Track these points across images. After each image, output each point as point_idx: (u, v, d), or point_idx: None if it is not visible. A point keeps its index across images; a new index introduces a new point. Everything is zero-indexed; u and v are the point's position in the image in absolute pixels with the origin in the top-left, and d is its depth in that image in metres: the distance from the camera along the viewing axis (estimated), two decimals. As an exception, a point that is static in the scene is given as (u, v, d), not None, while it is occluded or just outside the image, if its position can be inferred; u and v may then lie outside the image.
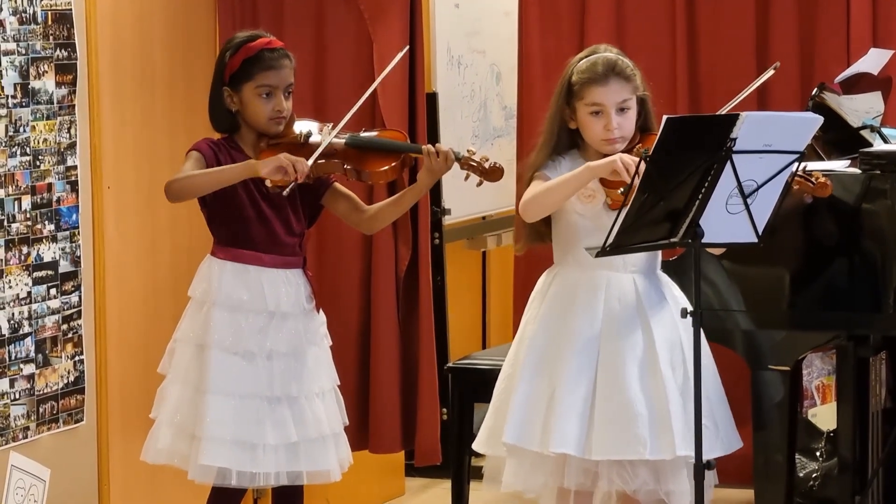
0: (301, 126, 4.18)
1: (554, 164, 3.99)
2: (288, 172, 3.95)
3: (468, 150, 4.11)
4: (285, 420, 4.11)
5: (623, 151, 3.95)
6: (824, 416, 5.43)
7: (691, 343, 3.97)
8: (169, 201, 4.09)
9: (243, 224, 4.09)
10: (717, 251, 4.22)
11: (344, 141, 4.12)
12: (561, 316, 3.99)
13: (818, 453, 5.31)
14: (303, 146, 4.11)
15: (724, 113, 4.56)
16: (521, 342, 4.06)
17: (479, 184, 4.11)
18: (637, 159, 3.75)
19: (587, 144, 4.01)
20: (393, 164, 4.12)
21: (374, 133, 4.22)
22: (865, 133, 4.73)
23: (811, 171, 4.00)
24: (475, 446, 4.14)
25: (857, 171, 4.40)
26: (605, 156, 3.95)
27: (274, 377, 4.11)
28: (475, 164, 4.08)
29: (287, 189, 3.99)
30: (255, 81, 4.10)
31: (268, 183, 4.07)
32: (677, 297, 4.07)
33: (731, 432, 4.03)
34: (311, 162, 3.99)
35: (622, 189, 3.80)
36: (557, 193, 3.90)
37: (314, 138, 4.14)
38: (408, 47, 4.28)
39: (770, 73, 4.38)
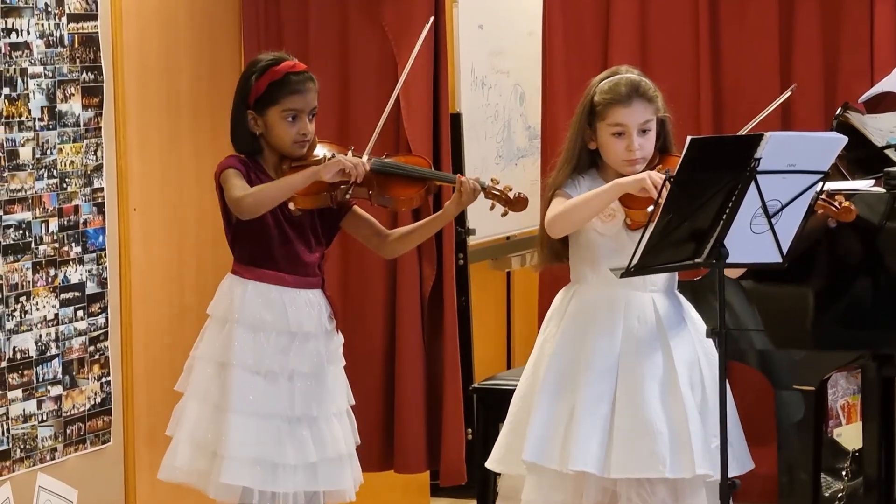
0: (324, 150, 4.18)
1: (573, 184, 4.00)
2: (348, 173, 3.98)
3: (492, 180, 4.12)
4: (305, 440, 4.11)
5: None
6: (849, 435, 5.42)
7: (710, 362, 3.98)
8: (241, 217, 4.06)
9: (267, 244, 4.10)
10: (735, 273, 4.22)
11: (370, 166, 4.12)
12: (580, 334, 4.00)
13: (843, 473, 5.29)
14: None
15: (745, 133, 4.58)
16: (539, 361, 4.06)
17: (504, 214, 4.12)
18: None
19: (606, 165, 4.01)
20: (418, 192, 4.12)
21: (398, 159, 4.21)
22: (890, 152, 4.72)
23: (835, 194, 3.99)
24: (489, 465, 4.14)
25: (881, 190, 4.39)
26: (625, 177, 3.97)
27: (295, 397, 4.12)
28: (499, 193, 4.09)
29: (348, 190, 4.00)
30: (281, 105, 4.10)
31: (291, 206, 4.08)
32: (694, 318, 4.08)
33: (744, 452, 4.04)
34: (365, 159, 4.01)
35: (650, 207, 3.81)
36: (585, 209, 3.91)
37: None
38: (433, 18, 4.26)
39: (787, 94, 4.38)
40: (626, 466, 3.89)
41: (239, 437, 4.06)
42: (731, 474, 3.90)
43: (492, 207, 4.13)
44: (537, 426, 3.96)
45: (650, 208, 3.80)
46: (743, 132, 4.30)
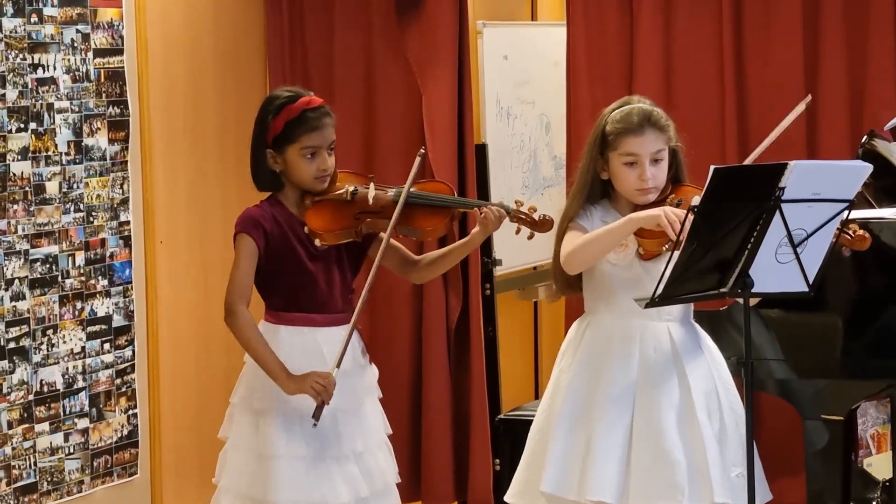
0: (346, 183, 4.16)
1: (586, 214, 3.99)
2: (320, 394, 3.99)
3: (516, 202, 4.10)
4: (355, 476, 4.09)
5: (655, 202, 3.95)
6: (880, 465, 5.38)
7: (727, 390, 3.97)
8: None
9: (293, 290, 4.09)
10: (751, 301, 4.19)
11: (392, 198, 4.11)
12: (596, 365, 3.99)
13: (874, 503, 5.25)
14: (350, 203, 4.10)
15: (757, 153, 4.57)
16: (555, 392, 4.05)
17: (531, 237, 4.10)
18: (681, 212, 3.74)
19: (618, 194, 4.01)
20: (443, 221, 4.11)
21: (419, 187, 4.19)
22: (917, 180, 4.70)
23: (849, 222, 3.96)
24: (508, 498, 4.12)
25: (908, 218, 4.38)
26: (637, 206, 3.96)
27: (340, 435, 4.10)
28: (524, 215, 4.07)
29: (313, 419, 4.01)
30: (300, 143, 4.07)
31: (317, 242, 4.07)
32: (710, 346, 4.06)
33: (762, 483, 4.01)
34: (336, 369, 4.01)
35: (666, 245, 3.80)
36: (599, 245, 3.89)
37: (360, 194, 4.12)
38: (423, 150, 4.28)
39: (801, 108, 4.36)
40: (645, 496, 3.87)
41: (287, 482, 4.03)
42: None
43: (517, 231, 4.11)
44: (555, 457, 3.95)
45: (665, 247, 3.80)
46: (760, 149, 4.28)
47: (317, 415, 3.99)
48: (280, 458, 4.04)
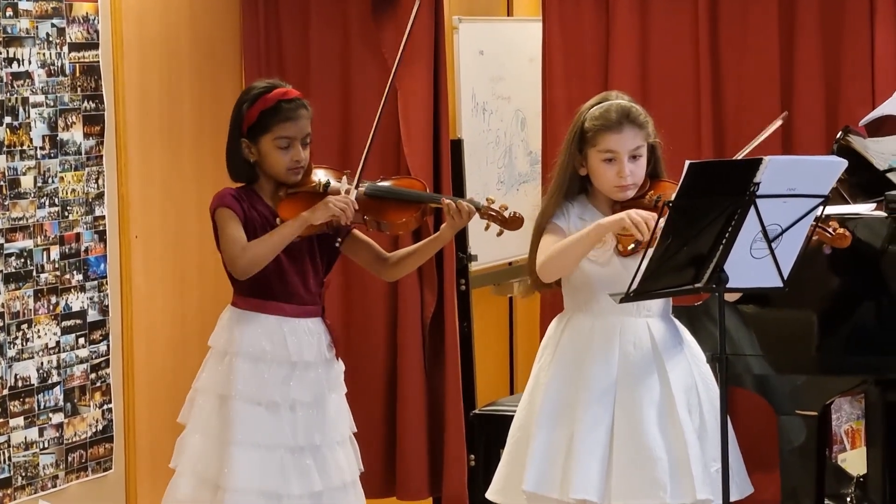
0: (319, 175, 4.19)
1: (562, 213, 4.00)
2: (338, 217, 4.02)
3: (488, 199, 4.11)
4: (309, 469, 4.11)
5: (634, 198, 3.95)
6: (854, 460, 5.40)
7: (707, 386, 3.98)
8: (238, 277, 4.08)
9: (264, 276, 4.09)
10: (732, 297, 4.21)
11: (363, 191, 4.12)
12: (576, 362, 3.99)
13: (848, 499, 5.28)
14: (322, 196, 4.11)
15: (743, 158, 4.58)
16: (535, 390, 4.05)
17: (500, 233, 4.11)
18: (648, 213, 3.75)
19: (596, 190, 4.01)
20: (413, 215, 4.12)
21: (392, 182, 4.21)
22: (891, 175, 4.72)
23: (829, 220, 3.97)
24: (489, 495, 4.13)
25: (882, 214, 4.39)
26: (616, 202, 3.96)
27: (297, 427, 4.11)
28: (495, 213, 4.08)
29: (339, 241, 4.05)
30: (273, 133, 4.10)
31: None
32: (690, 342, 4.07)
33: (743, 477, 4.02)
34: (353, 196, 4.05)
35: (632, 245, 3.82)
36: (571, 253, 3.90)
37: (333, 187, 4.14)
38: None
39: (778, 124, 4.38)
40: (627, 493, 3.88)
41: (242, 470, 4.05)
42: (732, 499, 3.90)
43: (486, 227, 4.12)
44: (536, 455, 3.95)
45: (631, 246, 3.82)
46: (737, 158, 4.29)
47: (343, 234, 4.09)
48: (237, 444, 4.06)
